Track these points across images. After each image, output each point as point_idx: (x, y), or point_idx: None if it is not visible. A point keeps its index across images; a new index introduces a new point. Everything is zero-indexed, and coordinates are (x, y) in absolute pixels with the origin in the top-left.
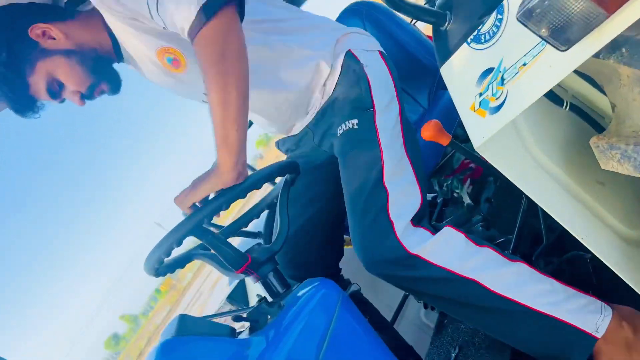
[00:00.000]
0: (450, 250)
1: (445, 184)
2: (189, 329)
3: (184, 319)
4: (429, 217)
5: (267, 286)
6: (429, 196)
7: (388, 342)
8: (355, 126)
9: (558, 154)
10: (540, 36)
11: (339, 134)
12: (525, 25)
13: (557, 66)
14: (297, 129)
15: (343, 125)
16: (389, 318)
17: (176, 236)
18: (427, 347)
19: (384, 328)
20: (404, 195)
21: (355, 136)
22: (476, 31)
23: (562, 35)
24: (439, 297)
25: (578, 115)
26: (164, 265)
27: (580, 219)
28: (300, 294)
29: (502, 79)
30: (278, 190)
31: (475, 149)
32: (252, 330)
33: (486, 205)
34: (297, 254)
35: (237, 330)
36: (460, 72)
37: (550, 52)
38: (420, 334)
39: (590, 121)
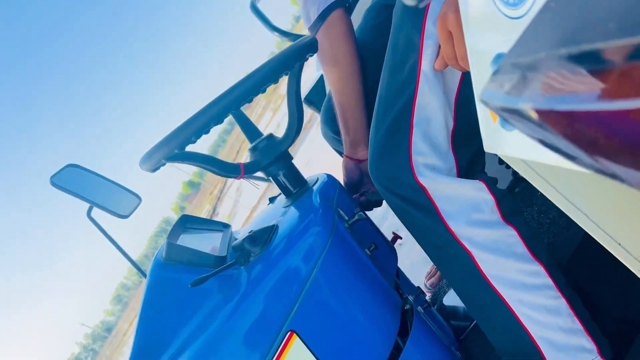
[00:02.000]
0: (463, 204)
1: None
2: (176, 255)
3: (172, 246)
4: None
5: (279, 184)
6: None
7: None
8: None
9: None
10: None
11: None
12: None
13: None
14: None
15: None
16: None
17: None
18: None
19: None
20: (435, 100)
21: None
22: None
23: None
24: (427, 244)
25: None
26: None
27: None
28: (302, 207)
29: None
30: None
31: (486, 150)
32: (238, 263)
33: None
34: None
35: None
36: (476, 20)
37: None
38: None
39: None
